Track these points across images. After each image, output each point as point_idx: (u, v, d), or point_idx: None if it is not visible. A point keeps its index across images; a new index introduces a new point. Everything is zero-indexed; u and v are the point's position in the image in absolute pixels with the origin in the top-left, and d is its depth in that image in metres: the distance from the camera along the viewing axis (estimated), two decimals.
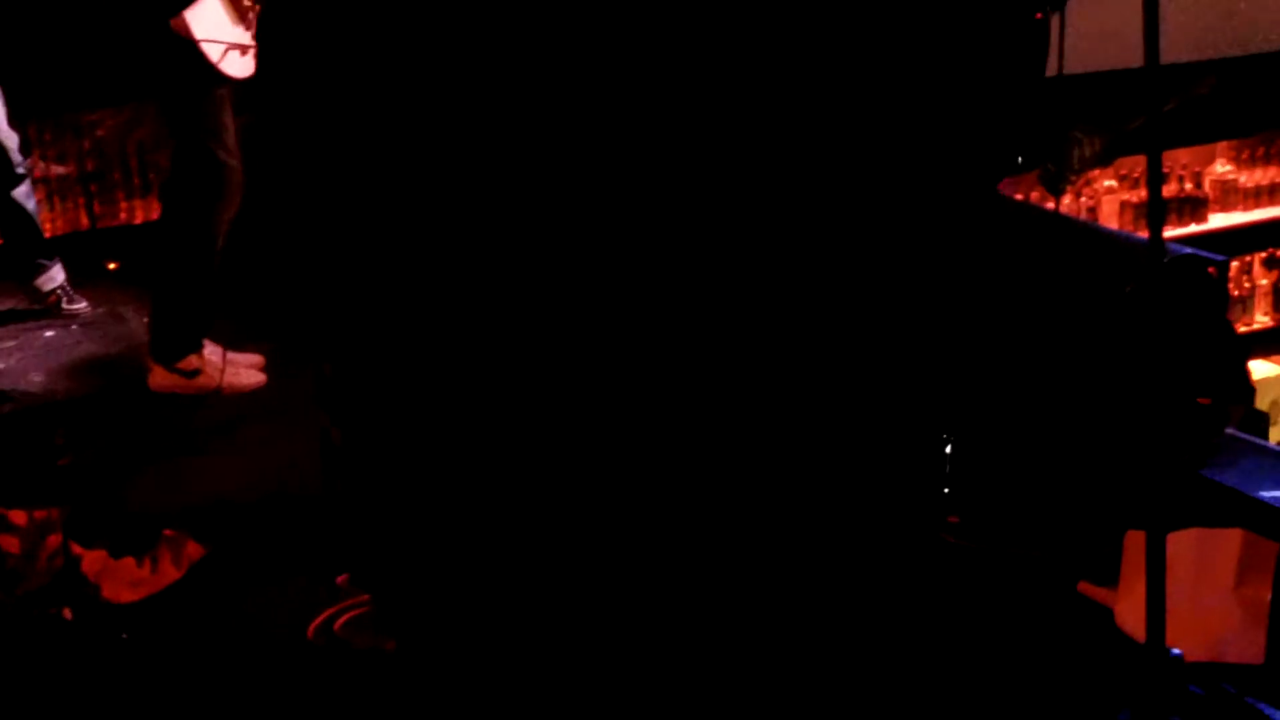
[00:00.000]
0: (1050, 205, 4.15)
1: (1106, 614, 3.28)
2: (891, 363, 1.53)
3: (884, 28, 1.32)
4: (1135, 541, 3.22)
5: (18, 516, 3.98)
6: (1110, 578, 3.33)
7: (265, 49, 1.28)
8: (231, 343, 5.21)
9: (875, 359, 1.50)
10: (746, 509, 1.45)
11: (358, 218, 1.41)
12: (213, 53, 4.62)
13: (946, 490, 3.75)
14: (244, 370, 5.13)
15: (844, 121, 1.32)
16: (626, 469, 1.41)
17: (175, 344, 5.03)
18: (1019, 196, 5.13)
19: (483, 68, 1.33)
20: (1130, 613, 3.18)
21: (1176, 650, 2.87)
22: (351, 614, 3.42)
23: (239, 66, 4.73)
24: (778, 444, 1.45)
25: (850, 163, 1.32)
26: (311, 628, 3.42)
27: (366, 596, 3.42)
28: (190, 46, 4.58)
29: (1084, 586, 3.40)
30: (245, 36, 4.71)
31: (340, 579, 3.56)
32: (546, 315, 1.35)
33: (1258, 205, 7.69)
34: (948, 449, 3.76)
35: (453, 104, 1.34)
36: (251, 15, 4.75)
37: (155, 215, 5.58)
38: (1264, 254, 7.64)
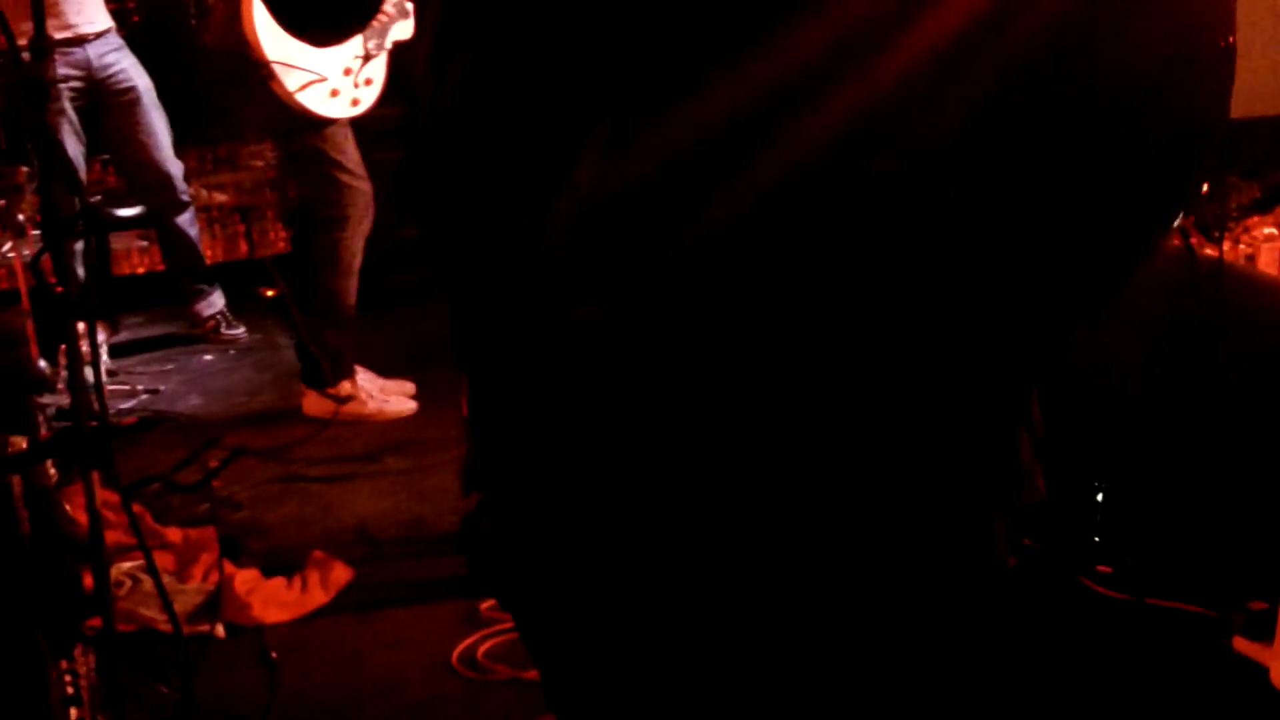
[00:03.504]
0: (1209, 251, 4.08)
1: (1263, 672, 3.20)
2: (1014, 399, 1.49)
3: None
4: None
5: (173, 535, 4.06)
6: (1267, 634, 3.25)
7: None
8: (385, 369, 5.28)
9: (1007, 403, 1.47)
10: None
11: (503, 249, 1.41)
12: (289, 81, 4.64)
13: (1098, 540, 3.68)
14: (395, 397, 5.19)
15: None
16: (778, 494, 1.39)
17: (326, 370, 5.11)
18: (1176, 242, 5.03)
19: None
20: None
21: None
22: (496, 641, 3.44)
23: (329, 105, 4.75)
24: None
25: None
26: (456, 654, 3.44)
27: (511, 624, 3.43)
28: (258, 67, 4.61)
29: (1239, 643, 3.32)
30: (340, 75, 4.74)
31: (484, 606, 3.58)
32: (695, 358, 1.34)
33: None
34: (1099, 498, 3.70)
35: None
36: (364, 55, 4.75)
37: None
38: None
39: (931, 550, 1.44)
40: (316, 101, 4.70)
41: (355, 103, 4.78)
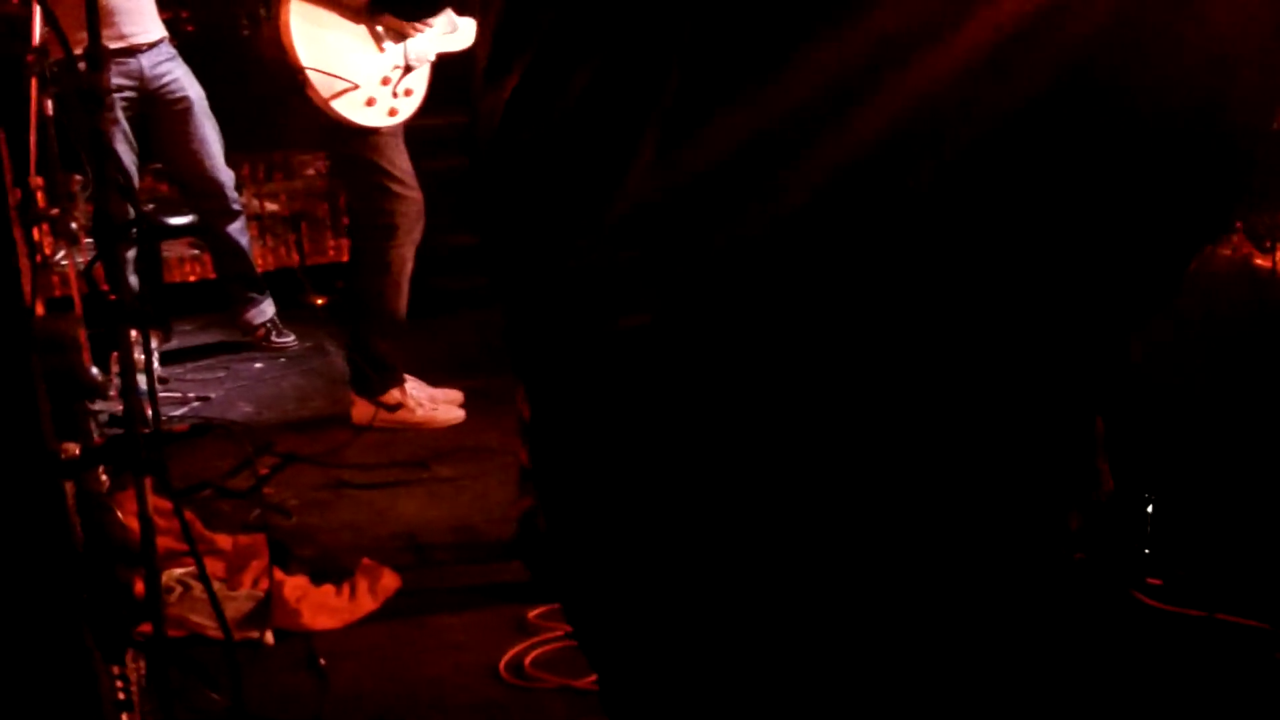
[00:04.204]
0: (1261, 262, 4.05)
1: None
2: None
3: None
4: None
5: (223, 541, 4.09)
6: None
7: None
8: (432, 378, 5.31)
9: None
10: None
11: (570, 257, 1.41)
12: (321, 86, 4.67)
13: (1148, 551, 3.66)
14: (443, 405, 5.22)
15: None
16: (834, 510, 1.39)
17: (375, 378, 5.14)
18: (1226, 253, 4.99)
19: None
20: None
21: None
22: (544, 650, 3.44)
23: (363, 113, 4.76)
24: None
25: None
26: (503, 662, 3.44)
27: (559, 632, 3.43)
28: (295, 74, 4.65)
29: None
30: (377, 85, 4.76)
31: (532, 615, 3.59)
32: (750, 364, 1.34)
33: None
34: (1149, 509, 3.67)
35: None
36: (404, 65, 4.79)
37: None
38: None
39: (1004, 545, 1.43)
40: (350, 109, 4.72)
41: (392, 112, 4.81)
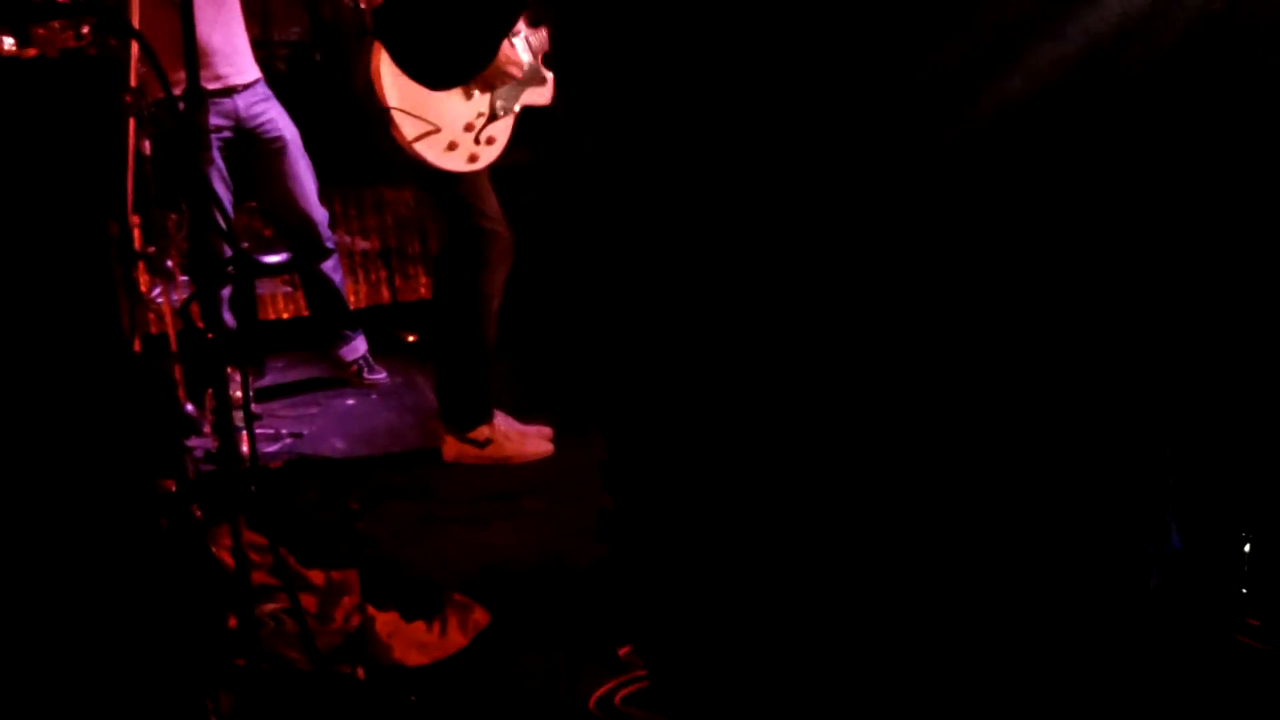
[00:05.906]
0: None
1: None
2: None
3: None
4: None
5: (316, 576, 4.11)
6: None
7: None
8: (521, 413, 5.33)
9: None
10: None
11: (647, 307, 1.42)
12: (406, 129, 4.73)
13: (1245, 591, 3.60)
14: (533, 440, 5.23)
15: None
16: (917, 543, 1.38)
17: (466, 414, 5.16)
18: None
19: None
20: None
21: None
22: (634, 687, 3.43)
23: (445, 158, 4.82)
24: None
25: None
26: (593, 699, 3.44)
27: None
28: (383, 113, 4.72)
29: None
30: (461, 130, 4.82)
31: (622, 651, 3.58)
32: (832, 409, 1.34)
33: None
34: (1247, 547, 3.61)
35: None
36: (489, 113, 4.84)
37: None
38: None
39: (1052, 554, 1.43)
40: (432, 152, 4.78)
41: (473, 159, 4.86)
